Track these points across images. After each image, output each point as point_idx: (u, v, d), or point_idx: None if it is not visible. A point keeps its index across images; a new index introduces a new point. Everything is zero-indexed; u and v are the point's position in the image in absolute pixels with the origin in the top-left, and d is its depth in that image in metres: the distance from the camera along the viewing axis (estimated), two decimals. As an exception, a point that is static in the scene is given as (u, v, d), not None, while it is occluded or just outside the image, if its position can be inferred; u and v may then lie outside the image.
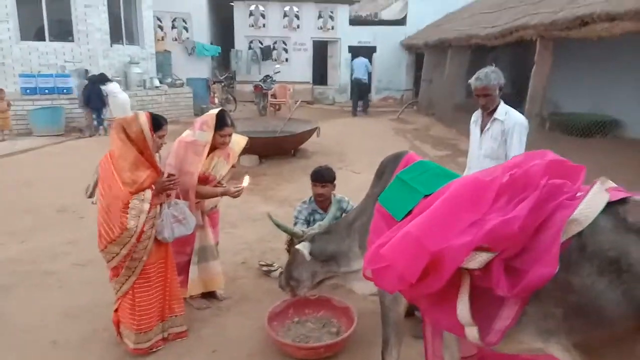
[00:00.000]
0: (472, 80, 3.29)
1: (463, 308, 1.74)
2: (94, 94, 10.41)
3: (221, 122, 3.35)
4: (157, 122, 2.94)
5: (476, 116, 3.52)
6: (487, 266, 1.68)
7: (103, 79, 10.49)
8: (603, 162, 7.23)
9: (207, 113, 3.45)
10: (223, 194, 3.47)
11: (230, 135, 3.43)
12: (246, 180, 3.56)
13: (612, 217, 1.60)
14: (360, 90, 15.10)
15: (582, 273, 1.59)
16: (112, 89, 10.41)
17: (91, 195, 3.02)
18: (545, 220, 1.63)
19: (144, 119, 2.86)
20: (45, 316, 3.47)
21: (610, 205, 1.63)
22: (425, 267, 1.73)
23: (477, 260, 1.67)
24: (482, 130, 3.43)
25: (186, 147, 3.32)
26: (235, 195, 3.46)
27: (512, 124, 3.27)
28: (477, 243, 1.66)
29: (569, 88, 10.87)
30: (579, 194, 1.67)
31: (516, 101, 9.96)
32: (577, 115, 10.40)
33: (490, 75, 3.23)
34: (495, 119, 3.32)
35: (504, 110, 3.32)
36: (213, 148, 3.40)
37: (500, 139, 3.30)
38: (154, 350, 3.06)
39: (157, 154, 3.01)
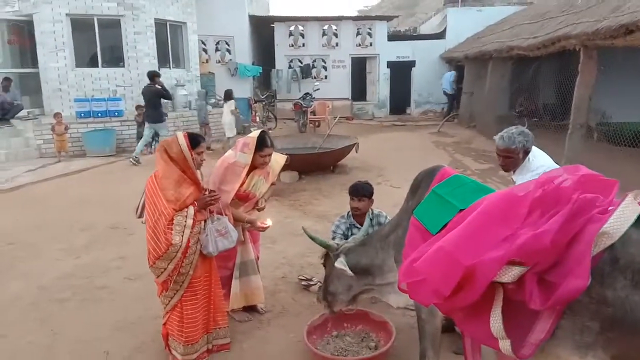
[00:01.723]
0: (495, 138, 3.09)
1: (496, 321, 1.75)
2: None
3: (261, 143, 3.48)
4: (194, 140, 3.08)
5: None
6: (520, 280, 1.69)
7: (227, 96, 11.67)
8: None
9: (249, 135, 3.58)
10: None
11: (270, 155, 3.55)
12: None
13: None
14: (448, 101, 16.85)
15: (616, 286, 1.58)
16: (226, 108, 11.53)
17: (141, 215, 3.18)
18: (577, 234, 1.64)
19: (182, 139, 3.02)
20: (98, 328, 3.66)
21: None
22: (458, 282, 1.76)
23: (509, 274, 1.69)
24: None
25: (226, 168, 3.46)
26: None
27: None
28: (509, 257, 1.68)
29: (617, 97, 10.51)
30: (610, 208, 1.67)
31: (561, 112, 9.76)
32: (626, 124, 10.02)
33: (516, 137, 2.98)
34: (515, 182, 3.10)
35: (519, 170, 3.07)
36: (253, 167, 3.52)
37: None
38: None
39: (198, 171, 3.16)
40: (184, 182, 3.01)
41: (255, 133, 3.55)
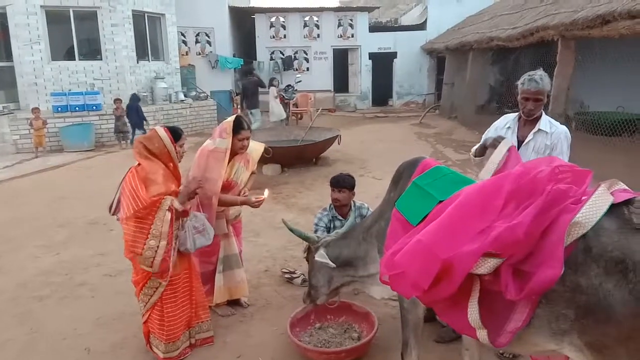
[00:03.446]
0: (524, 81, 2.93)
1: (473, 312, 1.79)
2: (132, 111, 11.05)
3: (238, 126, 3.45)
4: (176, 134, 3.06)
5: (510, 122, 3.14)
6: (496, 271, 1.73)
7: (270, 83, 13.16)
8: (630, 161, 7.10)
9: (225, 121, 3.56)
10: (243, 202, 3.53)
11: (247, 138, 3.51)
12: (266, 193, 3.63)
13: (617, 218, 1.63)
14: None
15: (590, 274, 1.62)
16: (271, 92, 12.80)
17: (115, 212, 3.13)
18: (550, 225, 1.67)
19: (163, 133, 2.99)
20: (78, 324, 3.62)
21: (616, 206, 1.65)
22: (437, 274, 1.79)
23: (486, 266, 1.73)
24: (520, 141, 3.07)
25: (207, 156, 3.43)
26: (255, 205, 3.52)
27: (560, 136, 2.96)
28: (484, 249, 1.71)
29: (594, 87, 10.69)
30: (584, 198, 1.70)
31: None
32: (603, 114, 10.20)
33: (545, 79, 2.91)
34: (540, 130, 2.99)
35: (547, 120, 3.01)
36: (234, 154, 3.50)
37: (544, 153, 2.97)
38: (182, 358, 3.16)
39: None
40: (169, 177, 2.99)
41: (230, 118, 3.53)
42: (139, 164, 2.99)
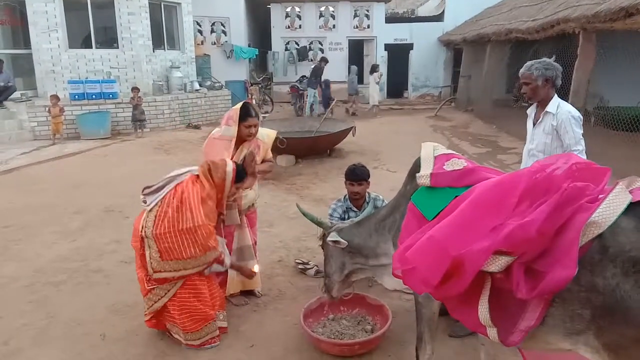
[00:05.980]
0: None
1: (483, 309, 1.78)
2: (324, 97, 14.18)
3: (245, 113, 3.44)
4: (239, 175, 3.15)
5: (531, 109, 3.49)
6: (508, 269, 1.71)
7: (373, 69, 14.82)
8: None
9: (232, 108, 3.55)
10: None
11: (255, 126, 3.49)
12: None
13: (635, 217, 1.60)
14: None
15: (606, 274, 1.59)
16: (372, 78, 14.64)
17: (147, 194, 3.11)
18: (565, 224, 1.65)
19: (230, 170, 3.08)
20: (93, 311, 3.67)
21: (635, 205, 1.61)
22: (447, 271, 1.78)
23: (496, 264, 1.71)
24: (534, 124, 3.40)
25: (214, 144, 3.45)
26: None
27: (563, 116, 3.20)
28: (496, 247, 1.69)
29: (615, 82, 10.47)
30: (601, 196, 1.66)
31: (559, 95, 9.73)
32: (623, 109, 10.00)
33: (533, 65, 3.21)
34: (546, 112, 3.27)
35: (556, 103, 3.27)
36: (241, 141, 3.50)
37: (552, 133, 3.25)
38: (207, 346, 3.17)
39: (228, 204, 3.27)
40: (215, 209, 3.09)
41: (237, 105, 3.52)
42: (197, 177, 3.08)
